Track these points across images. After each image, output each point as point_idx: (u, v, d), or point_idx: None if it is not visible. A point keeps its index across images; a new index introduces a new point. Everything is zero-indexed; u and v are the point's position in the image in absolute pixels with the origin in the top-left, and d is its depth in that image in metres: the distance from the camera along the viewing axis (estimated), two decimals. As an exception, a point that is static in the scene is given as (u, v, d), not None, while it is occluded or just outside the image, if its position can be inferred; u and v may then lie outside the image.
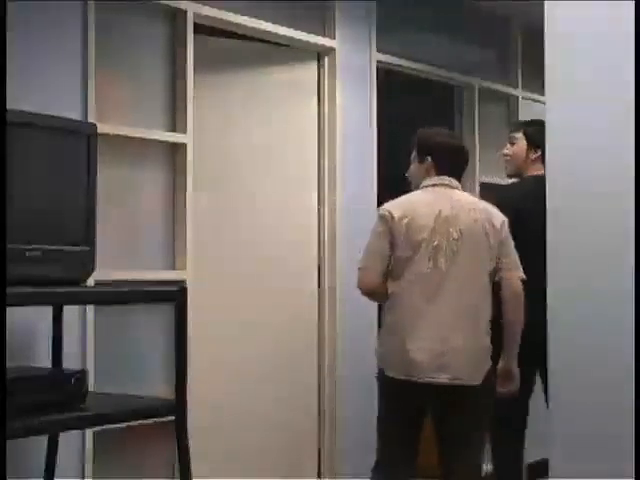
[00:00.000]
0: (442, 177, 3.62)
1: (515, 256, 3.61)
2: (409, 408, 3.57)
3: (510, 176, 4.51)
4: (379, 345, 3.65)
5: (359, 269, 3.61)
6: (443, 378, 3.43)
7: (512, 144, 4.45)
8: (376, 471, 3.67)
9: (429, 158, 3.66)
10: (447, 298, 3.46)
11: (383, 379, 3.58)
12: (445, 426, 3.58)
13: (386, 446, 3.62)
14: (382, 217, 3.56)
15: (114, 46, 3.76)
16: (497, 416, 4.07)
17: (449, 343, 3.44)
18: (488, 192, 5.45)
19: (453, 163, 3.67)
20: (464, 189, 3.81)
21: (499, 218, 3.61)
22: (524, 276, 3.58)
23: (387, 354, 3.56)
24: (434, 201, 3.55)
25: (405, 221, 3.49)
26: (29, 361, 3.33)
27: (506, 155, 4.44)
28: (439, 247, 3.47)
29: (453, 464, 3.58)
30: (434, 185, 3.61)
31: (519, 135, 4.35)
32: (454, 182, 3.63)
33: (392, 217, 3.52)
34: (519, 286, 3.57)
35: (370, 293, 3.64)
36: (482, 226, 3.53)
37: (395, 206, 3.57)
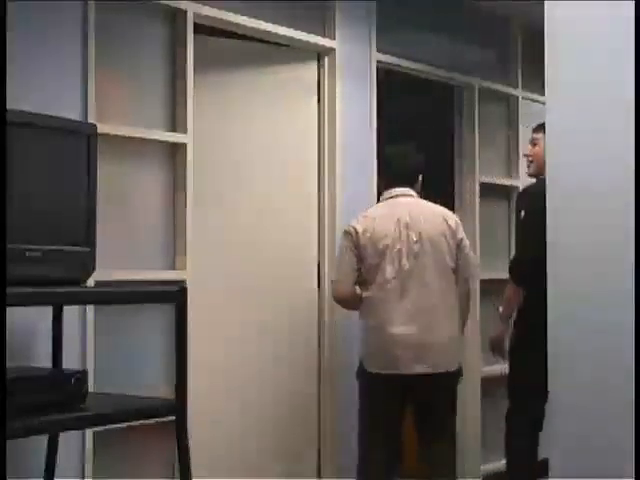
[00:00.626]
0: (397, 188, 4.09)
1: (471, 255, 4.11)
2: (392, 400, 3.95)
3: (532, 176, 4.61)
4: (361, 346, 4.06)
5: (332, 282, 4.13)
6: (421, 368, 3.85)
7: (534, 145, 4.55)
8: (362, 471, 4.01)
9: (381, 173, 4.26)
10: (415, 295, 3.88)
11: (366, 376, 3.98)
12: (425, 412, 4.01)
13: (372, 441, 3.99)
14: (347, 233, 4.03)
15: (114, 46, 3.76)
16: (514, 416, 4.19)
17: (422, 335, 3.86)
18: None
19: (402, 175, 4.12)
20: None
21: (453, 219, 4.07)
22: (477, 274, 4.23)
23: (368, 352, 3.98)
24: (393, 210, 4.00)
25: (368, 234, 3.95)
26: (29, 361, 3.33)
27: (528, 156, 4.58)
28: (401, 251, 3.91)
29: (432, 446, 4.02)
30: (391, 197, 4.09)
31: (540, 136, 4.43)
32: (410, 191, 4.09)
33: (356, 232, 3.99)
34: (468, 287, 4.12)
35: (344, 301, 4.09)
36: (439, 228, 3.97)
37: (358, 221, 4.03)
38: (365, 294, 3.97)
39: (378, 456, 3.98)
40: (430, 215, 4.01)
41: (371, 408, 4.01)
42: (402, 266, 3.90)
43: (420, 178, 4.19)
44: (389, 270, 3.90)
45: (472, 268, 4.15)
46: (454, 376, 3.99)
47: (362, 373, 4.01)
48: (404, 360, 3.86)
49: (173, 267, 3.95)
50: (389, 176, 4.18)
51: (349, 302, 4.08)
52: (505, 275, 5.05)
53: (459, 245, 4.03)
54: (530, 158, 4.61)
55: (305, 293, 4.60)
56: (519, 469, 4.39)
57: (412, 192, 4.10)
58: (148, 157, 3.89)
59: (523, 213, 4.41)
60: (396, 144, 4.32)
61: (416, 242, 3.91)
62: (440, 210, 4.08)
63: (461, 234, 4.06)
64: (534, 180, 4.57)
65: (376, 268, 3.93)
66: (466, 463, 5.34)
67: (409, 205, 4.03)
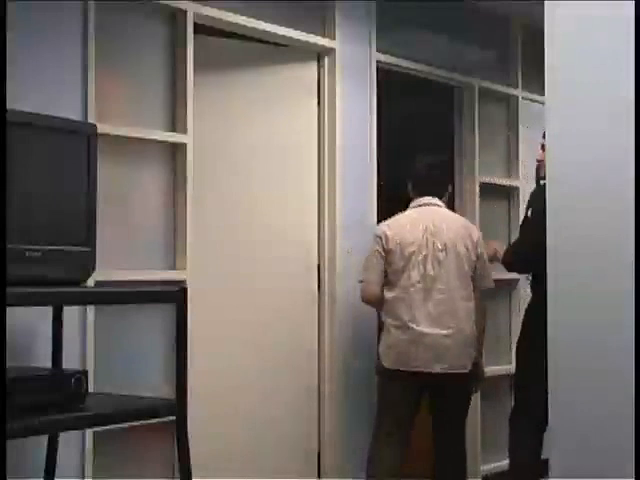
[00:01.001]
0: (426, 197, 4.34)
1: (488, 268, 4.36)
2: (407, 396, 4.20)
3: (543, 179, 4.63)
4: (381, 343, 4.27)
5: (360, 282, 4.31)
6: (438, 367, 4.10)
7: (544, 150, 4.56)
8: (371, 465, 4.25)
9: (410, 184, 4.42)
10: (436, 299, 4.14)
11: (384, 372, 4.22)
12: (439, 410, 4.29)
13: (386, 433, 4.22)
14: (377, 237, 4.28)
15: (114, 46, 3.76)
16: (518, 416, 4.22)
17: (441, 337, 4.11)
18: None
19: (433, 185, 4.39)
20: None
21: (476, 233, 4.36)
22: (492, 286, 4.39)
23: (388, 350, 4.19)
24: (421, 218, 4.26)
25: (397, 239, 4.20)
26: (29, 361, 3.33)
27: (540, 161, 4.62)
28: (426, 257, 4.17)
29: (446, 442, 4.31)
30: (419, 205, 4.33)
31: None
32: (437, 201, 4.35)
33: (386, 236, 4.23)
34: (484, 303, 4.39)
35: (371, 302, 4.32)
36: (462, 238, 4.25)
37: (388, 226, 4.28)
38: (390, 295, 4.20)
39: (388, 451, 4.23)
40: (454, 225, 4.29)
41: (387, 403, 4.26)
42: (426, 272, 4.15)
43: (450, 189, 4.51)
44: (414, 275, 4.16)
45: (487, 281, 4.36)
46: (468, 377, 4.24)
47: (381, 369, 4.25)
48: (422, 359, 4.11)
49: (173, 267, 3.95)
50: (420, 185, 4.40)
51: (375, 303, 4.31)
52: (505, 275, 5.06)
53: (479, 257, 4.30)
54: (541, 163, 4.64)
55: (305, 293, 4.60)
56: (522, 469, 4.40)
57: (439, 202, 4.37)
58: (148, 157, 3.89)
59: (530, 211, 4.44)
60: (429, 154, 4.61)
61: (441, 250, 4.18)
62: (464, 222, 4.42)
63: (481, 248, 4.34)
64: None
65: (401, 272, 4.18)
66: (467, 462, 5.33)
67: (436, 214, 4.30)
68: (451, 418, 4.32)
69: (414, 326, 4.11)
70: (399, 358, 4.14)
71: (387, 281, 4.23)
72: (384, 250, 4.22)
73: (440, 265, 4.16)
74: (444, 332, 4.12)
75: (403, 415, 4.22)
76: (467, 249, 4.23)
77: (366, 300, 4.31)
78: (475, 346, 4.24)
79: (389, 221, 4.33)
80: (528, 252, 4.17)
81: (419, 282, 4.15)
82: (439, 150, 4.64)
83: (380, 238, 4.25)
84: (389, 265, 4.21)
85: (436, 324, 4.12)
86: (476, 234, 4.34)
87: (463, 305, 4.18)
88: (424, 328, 4.11)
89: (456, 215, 4.51)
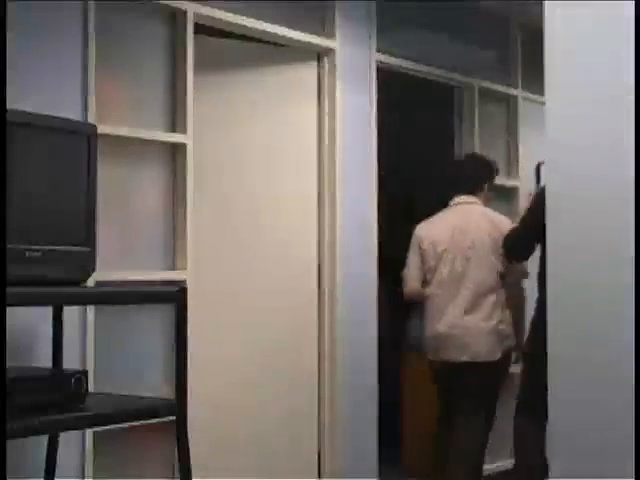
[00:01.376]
0: (462, 196, 4.60)
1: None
2: (442, 383, 4.59)
3: None
4: (423, 336, 4.61)
5: (401, 278, 4.63)
6: (465, 357, 4.39)
7: None
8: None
9: (446, 184, 4.72)
10: (463, 295, 4.42)
11: (429, 362, 4.61)
12: (463, 397, 4.49)
13: (437, 416, 4.63)
14: (414, 236, 4.58)
15: (114, 46, 3.76)
16: (522, 416, 4.23)
17: (468, 329, 4.39)
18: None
19: (468, 184, 4.63)
20: None
21: (507, 227, 4.49)
22: (525, 277, 4.57)
23: (426, 342, 4.56)
24: (453, 217, 4.54)
25: (430, 239, 4.51)
26: (29, 361, 3.33)
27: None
28: (455, 256, 4.44)
29: (464, 430, 4.49)
30: (455, 204, 4.61)
31: None
32: (472, 198, 4.59)
33: (420, 236, 4.54)
34: (522, 290, 4.64)
35: (411, 297, 4.64)
36: (492, 235, 4.45)
37: (423, 226, 4.59)
38: (427, 291, 4.53)
39: (441, 435, 4.59)
40: (483, 222, 4.50)
41: (436, 390, 4.69)
42: (455, 269, 4.44)
43: (485, 187, 4.68)
44: (444, 272, 4.46)
45: (519, 274, 4.58)
46: (495, 365, 4.45)
47: (428, 358, 4.61)
48: (451, 349, 4.42)
49: (173, 267, 3.95)
50: (454, 184, 4.68)
51: (415, 297, 4.63)
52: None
53: None
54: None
55: (305, 293, 4.60)
56: (527, 468, 4.39)
57: (474, 199, 4.60)
58: (148, 157, 3.90)
59: (533, 198, 4.49)
60: (464, 154, 5.01)
61: (469, 248, 4.45)
62: (494, 217, 4.58)
63: None
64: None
65: (434, 270, 4.49)
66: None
67: (468, 212, 4.56)
68: (474, 407, 4.51)
69: (443, 319, 4.42)
70: (433, 349, 4.50)
71: (425, 278, 4.55)
72: (420, 249, 4.53)
73: (468, 262, 4.43)
74: (470, 324, 4.39)
75: (446, 400, 4.59)
76: (496, 244, 4.44)
77: (406, 295, 4.63)
78: (505, 336, 4.45)
79: (426, 221, 4.62)
80: (526, 238, 4.24)
81: (449, 279, 4.44)
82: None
83: (416, 237, 4.56)
84: (424, 263, 4.52)
85: (463, 317, 4.40)
86: (507, 228, 4.47)
87: (490, 298, 4.43)
88: (452, 320, 4.41)
89: (488, 211, 4.62)
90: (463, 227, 4.48)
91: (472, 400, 4.50)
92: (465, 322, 4.41)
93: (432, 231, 4.54)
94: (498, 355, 4.43)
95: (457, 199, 4.62)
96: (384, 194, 5.01)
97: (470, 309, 4.42)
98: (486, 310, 4.43)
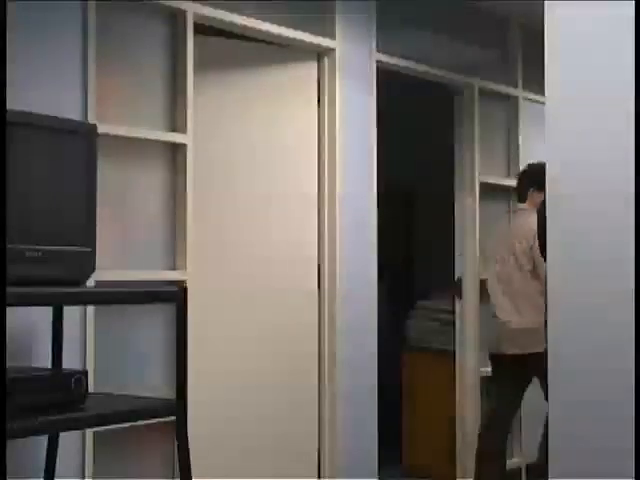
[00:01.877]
0: (517, 205, 5.22)
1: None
2: (496, 374, 5.08)
3: None
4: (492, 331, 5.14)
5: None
6: (515, 349, 4.86)
7: None
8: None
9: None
10: (504, 296, 5.00)
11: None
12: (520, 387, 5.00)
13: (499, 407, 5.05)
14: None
15: (114, 46, 3.76)
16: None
17: (516, 323, 4.90)
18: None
19: (517, 193, 5.21)
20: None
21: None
22: None
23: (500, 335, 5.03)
24: (502, 225, 5.37)
25: (487, 245, 5.32)
26: (29, 361, 3.34)
27: None
28: (497, 259, 5.04)
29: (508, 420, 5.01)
30: (512, 211, 5.39)
31: None
32: (522, 205, 5.12)
33: (483, 244, 5.33)
34: None
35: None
36: (524, 236, 4.94)
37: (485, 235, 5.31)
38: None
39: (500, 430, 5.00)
40: (521, 225, 5.02)
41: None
42: (497, 271, 5.03)
43: (530, 192, 5.06)
44: (491, 275, 5.08)
45: (541, 269, 4.86)
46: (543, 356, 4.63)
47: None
48: (503, 342, 4.91)
49: (173, 267, 3.95)
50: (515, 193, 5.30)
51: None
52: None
53: (532, 249, 4.91)
54: None
55: (305, 293, 4.60)
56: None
57: (523, 206, 5.11)
58: (148, 157, 3.90)
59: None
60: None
61: (508, 252, 4.99)
62: (532, 220, 4.85)
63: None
64: None
65: (491, 270, 5.11)
66: (467, 462, 5.34)
67: (519, 218, 5.12)
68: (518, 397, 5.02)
69: (496, 315, 5.00)
70: (490, 343, 5.11)
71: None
72: (483, 255, 5.40)
73: (505, 264, 5.01)
74: (518, 318, 4.90)
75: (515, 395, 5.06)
76: (529, 246, 4.91)
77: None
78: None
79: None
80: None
81: (494, 281, 5.06)
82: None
83: (480, 244, 5.40)
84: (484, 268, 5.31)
85: (512, 313, 4.94)
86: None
87: (525, 298, 4.93)
88: (501, 316, 4.96)
89: (532, 216, 4.89)
90: (507, 232, 5.14)
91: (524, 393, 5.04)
92: (515, 317, 4.92)
93: (489, 237, 5.26)
94: (541, 347, 4.64)
95: (513, 206, 5.39)
96: (384, 194, 5.01)
97: (511, 308, 4.95)
98: (523, 308, 4.94)
